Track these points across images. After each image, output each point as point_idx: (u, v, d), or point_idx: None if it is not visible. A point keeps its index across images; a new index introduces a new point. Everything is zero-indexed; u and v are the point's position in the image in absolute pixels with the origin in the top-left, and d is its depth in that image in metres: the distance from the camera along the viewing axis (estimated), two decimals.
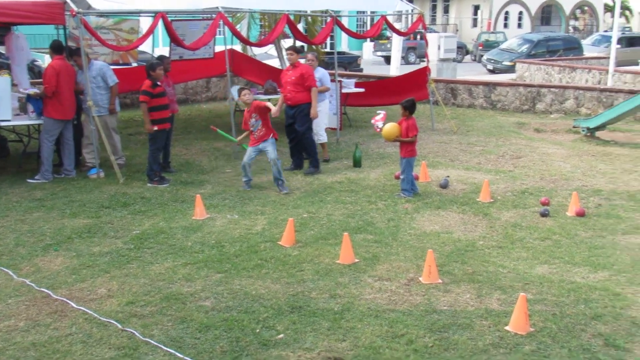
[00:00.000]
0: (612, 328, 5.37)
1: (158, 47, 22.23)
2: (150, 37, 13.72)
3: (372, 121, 9.67)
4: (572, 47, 31.70)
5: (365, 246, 7.20)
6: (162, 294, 6.00)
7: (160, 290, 6.07)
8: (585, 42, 35.12)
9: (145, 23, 14.80)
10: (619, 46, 24.11)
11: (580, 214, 8.41)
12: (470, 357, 4.91)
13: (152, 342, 5.07)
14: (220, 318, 5.49)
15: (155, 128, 9.56)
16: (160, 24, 10.84)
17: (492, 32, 43.69)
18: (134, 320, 5.46)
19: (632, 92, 15.70)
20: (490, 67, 30.90)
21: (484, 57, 32.49)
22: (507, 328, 5.33)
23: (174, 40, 11.63)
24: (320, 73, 11.65)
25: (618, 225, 8.07)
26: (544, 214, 8.41)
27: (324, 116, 11.60)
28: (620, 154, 12.31)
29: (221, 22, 11.44)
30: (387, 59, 32.02)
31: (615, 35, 20.18)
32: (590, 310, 5.70)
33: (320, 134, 11.40)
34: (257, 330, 5.28)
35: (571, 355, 4.93)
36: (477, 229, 7.92)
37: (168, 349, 4.95)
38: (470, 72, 28.81)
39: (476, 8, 53.76)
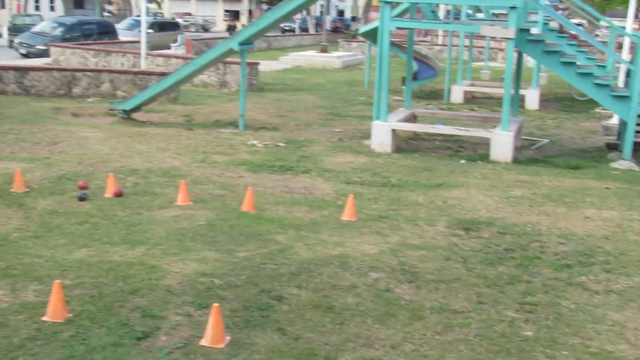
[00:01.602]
0: (148, 299, 5.58)
1: None
2: None
3: None
4: (107, 31, 31.88)
5: None
6: None
7: None
8: (120, 27, 35.69)
9: None
10: (151, 31, 25.12)
11: (118, 194, 8.54)
12: (5, 355, 4.61)
13: None
14: None
15: None
16: None
17: (27, 15, 41.58)
18: None
19: (163, 74, 16.46)
20: (23, 51, 29.35)
21: (16, 41, 30.75)
22: (43, 318, 5.14)
23: None
24: None
25: (154, 202, 8.41)
26: (82, 198, 8.33)
27: None
28: (156, 134, 12.85)
29: None
30: None
31: (144, 20, 20.85)
32: (129, 286, 5.84)
33: None
34: None
35: (110, 333, 4.98)
36: (11, 221, 7.47)
37: None
38: (1, 56, 27.05)
39: None
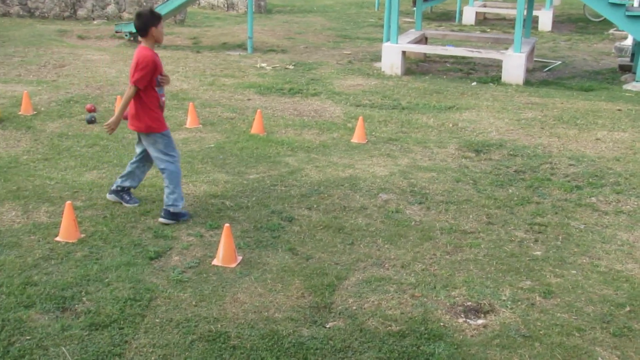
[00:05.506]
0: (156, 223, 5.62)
1: None
2: None
3: None
4: None
5: None
6: None
7: None
8: None
9: None
10: None
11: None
12: (20, 274, 4.68)
13: None
14: None
15: None
16: None
17: None
18: None
19: None
20: None
21: None
22: (57, 239, 5.19)
23: None
24: None
25: None
26: (90, 121, 8.31)
27: None
28: (163, 57, 12.50)
29: None
30: None
31: None
32: (140, 207, 5.86)
33: None
34: None
35: (123, 252, 5.04)
36: (20, 144, 7.48)
37: None
38: None
39: None
